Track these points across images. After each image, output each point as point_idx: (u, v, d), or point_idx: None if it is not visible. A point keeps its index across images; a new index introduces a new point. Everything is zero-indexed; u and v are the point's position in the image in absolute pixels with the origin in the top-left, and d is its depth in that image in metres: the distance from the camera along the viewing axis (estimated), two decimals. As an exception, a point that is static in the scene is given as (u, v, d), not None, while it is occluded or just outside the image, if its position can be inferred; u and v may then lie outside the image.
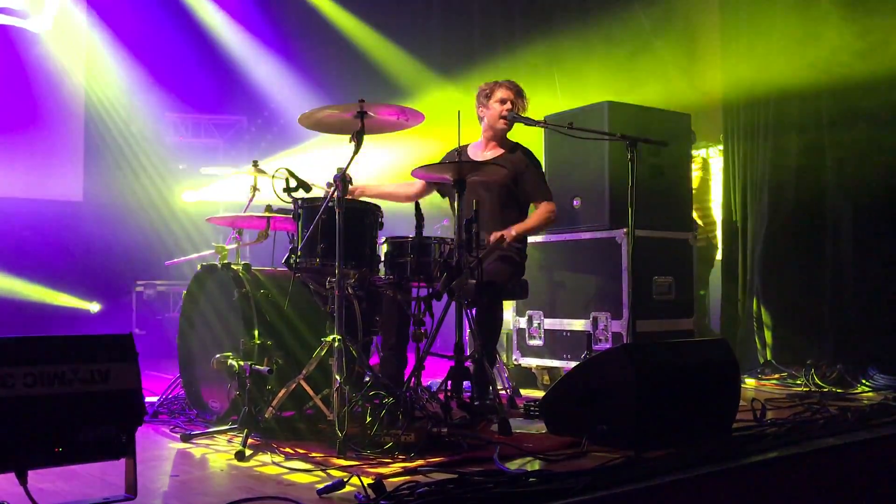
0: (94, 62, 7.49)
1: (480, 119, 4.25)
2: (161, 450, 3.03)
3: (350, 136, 3.21)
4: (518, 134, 4.37)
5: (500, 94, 4.14)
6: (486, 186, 4.07)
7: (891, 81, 4.89)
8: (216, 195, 6.84)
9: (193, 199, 7.29)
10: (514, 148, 4.23)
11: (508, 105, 4.12)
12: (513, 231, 3.91)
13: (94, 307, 7.35)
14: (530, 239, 4.52)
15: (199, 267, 3.70)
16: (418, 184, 4.29)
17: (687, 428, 3.01)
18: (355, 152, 3.19)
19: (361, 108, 3.17)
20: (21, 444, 1.91)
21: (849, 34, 5.02)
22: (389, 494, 2.16)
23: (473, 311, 3.67)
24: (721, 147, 6.17)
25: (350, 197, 3.92)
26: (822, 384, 4.58)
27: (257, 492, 2.35)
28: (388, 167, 6.24)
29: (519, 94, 4.18)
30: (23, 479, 1.92)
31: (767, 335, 5.34)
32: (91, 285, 7.30)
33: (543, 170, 4.40)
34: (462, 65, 7.75)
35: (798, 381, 4.76)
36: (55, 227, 7.18)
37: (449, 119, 3.85)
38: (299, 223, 3.35)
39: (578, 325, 4.57)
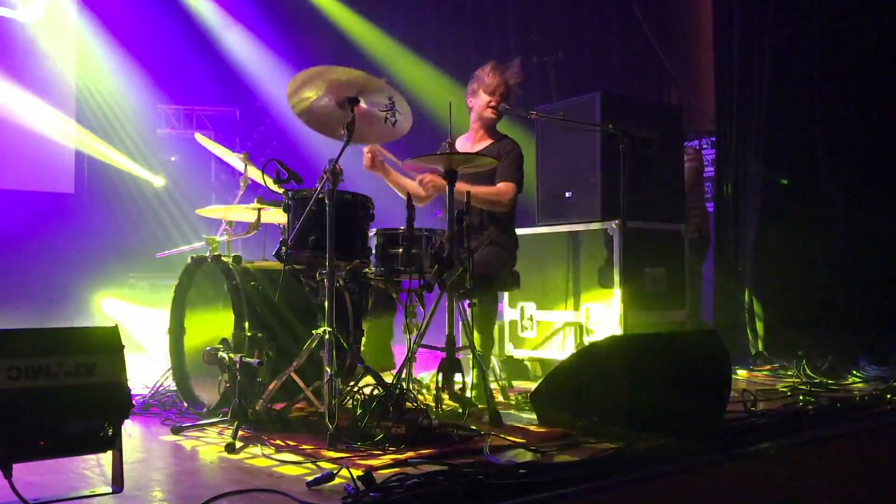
0: (85, 53, 7.44)
1: (469, 109, 4.23)
2: (151, 442, 3.02)
3: (341, 128, 3.20)
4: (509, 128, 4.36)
5: (492, 81, 4.11)
6: (477, 178, 4.06)
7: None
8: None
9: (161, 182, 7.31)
10: (502, 138, 4.22)
11: (498, 96, 4.09)
12: (439, 180, 3.75)
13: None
14: (522, 231, 4.51)
15: (189, 259, 3.69)
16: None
17: (678, 419, 3.01)
18: (346, 144, 3.18)
19: (352, 96, 3.15)
20: (5, 438, 1.90)
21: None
22: (379, 486, 2.15)
23: (465, 303, 3.66)
24: (714, 139, 6.17)
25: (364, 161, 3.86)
26: (814, 375, 4.59)
27: (247, 484, 2.34)
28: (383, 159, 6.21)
29: (514, 83, 4.16)
30: (7, 473, 1.91)
31: (759, 326, 5.35)
32: (84, 278, 7.27)
33: (535, 163, 4.37)
34: (455, 56, 7.74)
35: (789, 373, 4.77)
36: (47, 220, 7.15)
37: (441, 111, 3.84)
38: (290, 215, 3.34)
39: (570, 316, 4.56)
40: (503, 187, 4.06)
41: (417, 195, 4.17)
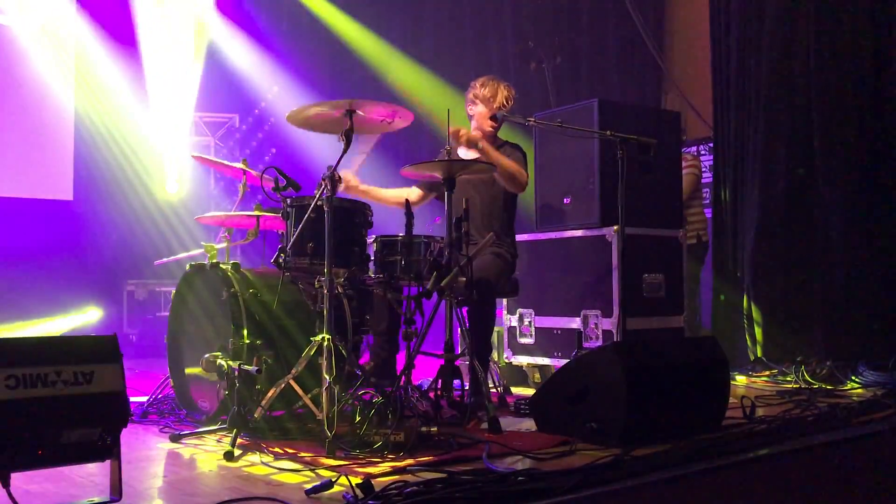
0: (82, 59, 7.45)
1: (470, 118, 4.24)
2: (150, 450, 3.01)
3: (339, 134, 3.20)
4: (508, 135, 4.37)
5: (489, 93, 4.12)
6: (476, 185, 4.06)
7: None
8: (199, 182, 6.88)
9: (175, 189, 7.36)
10: (502, 145, 4.22)
11: (498, 104, 4.10)
12: (482, 141, 3.89)
13: (93, 316, 7.32)
14: (521, 237, 4.52)
15: (187, 266, 3.68)
16: (416, 191, 4.28)
17: (676, 426, 3.01)
18: (344, 151, 3.18)
19: (350, 105, 3.16)
20: (3, 447, 1.90)
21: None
22: (378, 494, 2.15)
23: (464, 310, 3.67)
24: (712, 145, 6.18)
25: (344, 192, 3.92)
26: (812, 381, 4.59)
27: (246, 492, 2.34)
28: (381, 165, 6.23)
29: (509, 92, 4.17)
30: (5, 482, 1.91)
31: (758, 332, 5.35)
32: (82, 286, 7.26)
33: (533, 170, 4.38)
34: (454, 63, 7.75)
35: (788, 378, 4.77)
36: (45, 227, 7.14)
37: (440, 117, 3.85)
38: (289, 222, 3.34)
39: (569, 323, 4.56)
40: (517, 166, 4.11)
41: (400, 202, 4.23)
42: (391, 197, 4.25)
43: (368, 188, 4.18)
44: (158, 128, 7.64)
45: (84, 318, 7.26)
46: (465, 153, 4.23)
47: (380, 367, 3.63)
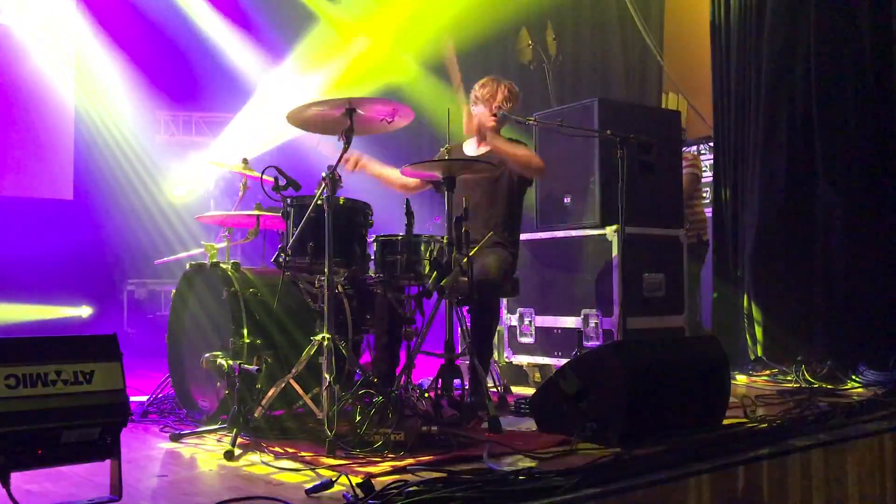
0: (83, 60, 7.45)
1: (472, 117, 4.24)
2: (150, 450, 3.01)
3: (339, 134, 3.20)
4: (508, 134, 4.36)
5: (488, 93, 4.12)
6: (477, 183, 4.06)
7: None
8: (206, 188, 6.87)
9: (184, 192, 7.33)
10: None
11: (498, 104, 4.10)
12: (498, 140, 3.93)
13: (84, 312, 7.32)
14: (521, 237, 4.51)
15: (188, 266, 3.68)
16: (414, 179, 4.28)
17: (677, 425, 3.01)
18: (344, 150, 3.18)
19: (350, 104, 3.15)
20: (3, 447, 1.90)
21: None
22: (378, 494, 2.15)
23: (464, 309, 3.66)
24: (712, 144, 6.18)
25: (346, 165, 3.93)
26: (813, 380, 4.59)
27: (246, 492, 2.33)
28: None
29: (510, 92, 4.16)
30: (5, 481, 1.91)
31: (758, 332, 5.35)
32: (82, 285, 7.27)
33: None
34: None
35: (788, 378, 4.77)
36: (46, 227, 7.14)
37: (440, 116, 3.85)
38: (289, 221, 3.34)
39: (569, 322, 4.56)
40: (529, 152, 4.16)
41: (401, 183, 4.23)
42: (396, 178, 4.23)
43: (383, 169, 4.16)
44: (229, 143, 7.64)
45: (83, 316, 7.26)
46: (473, 149, 4.22)
47: (381, 379, 3.62)
